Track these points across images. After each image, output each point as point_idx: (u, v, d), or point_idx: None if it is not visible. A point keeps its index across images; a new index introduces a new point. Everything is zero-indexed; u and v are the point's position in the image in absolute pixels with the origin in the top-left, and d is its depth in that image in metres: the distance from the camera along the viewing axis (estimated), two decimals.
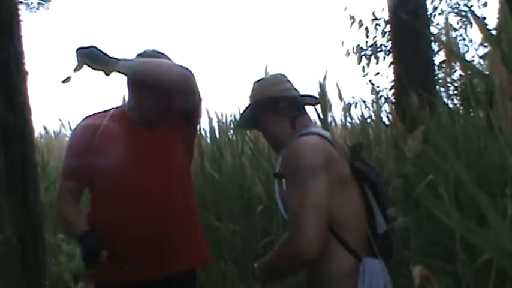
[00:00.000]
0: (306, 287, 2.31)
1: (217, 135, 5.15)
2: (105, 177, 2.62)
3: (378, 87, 8.37)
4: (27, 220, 2.14)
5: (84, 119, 2.76)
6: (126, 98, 2.76)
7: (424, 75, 4.64)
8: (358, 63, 8.78)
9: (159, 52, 2.76)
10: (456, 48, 3.92)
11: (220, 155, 4.80)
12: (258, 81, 2.58)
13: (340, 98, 4.91)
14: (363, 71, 8.81)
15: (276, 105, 2.45)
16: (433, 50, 4.92)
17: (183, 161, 2.78)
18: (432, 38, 4.96)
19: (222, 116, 5.68)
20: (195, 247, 2.77)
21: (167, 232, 2.62)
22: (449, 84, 4.85)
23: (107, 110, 2.77)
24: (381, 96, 8.00)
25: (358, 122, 5.22)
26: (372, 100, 7.62)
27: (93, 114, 2.77)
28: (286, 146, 2.28)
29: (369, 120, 5.04)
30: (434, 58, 4.92)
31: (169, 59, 2.75)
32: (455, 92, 4.98)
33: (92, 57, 2.48)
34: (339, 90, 4.82)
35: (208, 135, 5.22)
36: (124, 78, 2.67)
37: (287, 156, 2.20)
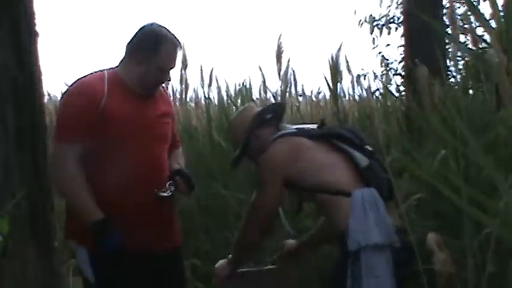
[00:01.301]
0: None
1: (226, 104, 5.13)
2: (112, 147, 2.59)
3: (387, 59, 8.31)
4: (37, 182, 2.16)
5: (78, 80, 2.69)
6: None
7: (434, 48, 4.61)
8: (371, 33, 8.70)
9: (160, 26, 2.74)
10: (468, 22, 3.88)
11: (228, 123, 4.79)
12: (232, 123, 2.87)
13: (349, 70, 4.90)
14: (373, 42, 8.76)
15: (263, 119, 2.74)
16: (445, 24, 4.86)
17: (169, 136, 2.82)
18: (444, 12, 4.92)
19: (230, 85, 5.65)
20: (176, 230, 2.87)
21: (168, 210, 2.73)
22: (459, 58, 4.82)
23: (98, 71, 2.67)
24: (390, 69, 7.96)
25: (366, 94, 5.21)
26: (382, 72, 7.56)
27: (87, 76, 2.65)
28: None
29: (377, 93, 5.02)
30: (446, 31, 4.88)
31: (169, 32, 2.73)
32: (466, 65, 4.94)
33: None
34: (347, 62, 4.81)
35: (216, 103, 5.21)
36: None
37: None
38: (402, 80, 4.37)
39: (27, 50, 2.12)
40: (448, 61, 4.61)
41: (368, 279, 2.43)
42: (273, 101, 4.73)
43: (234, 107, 5.18)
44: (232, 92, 5.42)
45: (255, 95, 5.32)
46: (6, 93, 2.04)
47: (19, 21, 2.08)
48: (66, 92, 2.63)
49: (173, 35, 2.70)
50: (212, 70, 5.03)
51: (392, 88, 4.82)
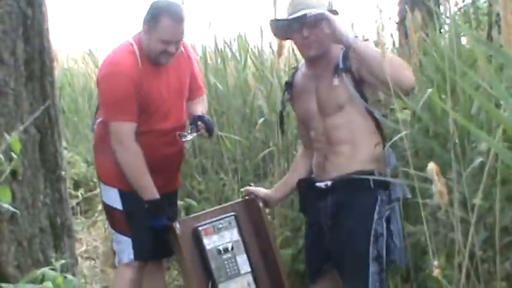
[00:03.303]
0: None
1: (221, 49, 5.19)
2: (145, 116, 2.95)
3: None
4: (45, 111, 2.25)
5: (111, 57, 2.97)
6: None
7: None
8: None
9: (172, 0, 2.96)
10: None
11: (224, 66, 4.86)
12: None
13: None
14: None
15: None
16: None
17: (185, 99, 3.16)
18: None
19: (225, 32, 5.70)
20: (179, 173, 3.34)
21: (180, 158, 3.21)
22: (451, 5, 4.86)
23: (126, 44, 2.96)
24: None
25: None
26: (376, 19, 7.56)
27: (118, 52, 2.96)
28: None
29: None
30: None
31: (174, 6, 2.92)
32: (458, 12, 4.99)
33: None
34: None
35: (212, 48, 5.26)
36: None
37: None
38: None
39: None
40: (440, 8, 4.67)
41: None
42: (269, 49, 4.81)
43: (229, 52, 5.24)
44: (227, 39, 5.48)
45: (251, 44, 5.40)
46: (16, 26, 2.11)
47: None
48: (104, 71, 2.97)
49: (176, 9, 2.92)
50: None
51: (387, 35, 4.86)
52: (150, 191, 2.95)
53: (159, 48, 2.88)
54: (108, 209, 3.10)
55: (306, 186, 2.88)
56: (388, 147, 2.67)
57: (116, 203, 3.03)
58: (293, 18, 2.65)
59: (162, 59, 2.93)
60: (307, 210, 2.94)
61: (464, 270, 2.22)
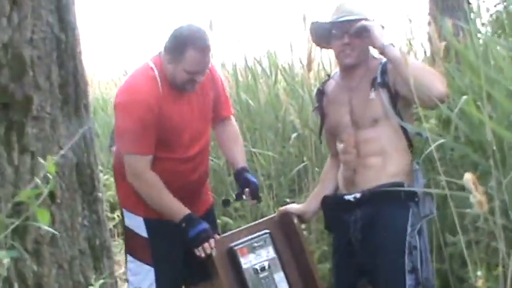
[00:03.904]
0: None
1: (252, 66, 5.21)
2: (167, 143, 2.89)
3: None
4: (81, 134, 2.27)
5: (131, 83, 2.91)
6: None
7: (456, 1, 4.62)
8: None
9: (193, 28, 2.83)
10: None
11: (254, 82, 4.89)
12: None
13: None
14: None
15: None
16: None
17: (209, 122, 3.09)
18: None
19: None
20: (208, 191, 3.29)
21: (204, 179, 3.14)
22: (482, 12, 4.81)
23: (145, 65, 2.90)
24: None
25: None
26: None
27: (138, 77, 2.89)
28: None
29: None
30: None
31: (200, 34, 2.82)
32: (489, 19, 4.94)
33: None
34: None
35: (242, 65, 5.29)
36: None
37: None
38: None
39: (67, 8, 2.22)
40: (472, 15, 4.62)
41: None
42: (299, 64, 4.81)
43: (260, 68, 5.26)
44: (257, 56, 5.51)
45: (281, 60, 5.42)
46: (50, 51, 2.15)
47: None
48: (122, 97, 2.88)
49: (201, 38, 2.81)
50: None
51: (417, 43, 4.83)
52: (178, 212, 2.87)
53: (185, 78, 2.81)
54: (131, 234, 3.02)
55: (332, 202, 2.85)
56: (415, 164, 2.66)
57: (140, 229, 2.97)
58: (336, 24, 2.65)
59: (188, 87, 2.86)
60: (334, 227, 2.91)
61: (509, 280, 2.17)
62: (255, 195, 3.04)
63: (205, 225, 2.86)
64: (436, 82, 2.47)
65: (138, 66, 2.96)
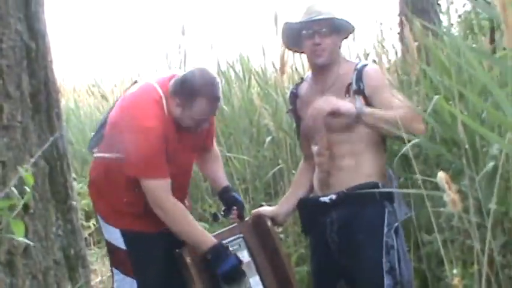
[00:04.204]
0: None
1: (225, 71, 5.21)
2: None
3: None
4: (53, 142, 2.25)
5: (137, 106, 2.83)
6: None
7: (426, 3, 4.67)
8: None
9: (205, 74, 2.82)
10: None
11: (228, 87, 4.89)
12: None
13: None
14: None
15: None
16: None
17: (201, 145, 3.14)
18: None
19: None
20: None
21: (186, 193, 3.14)
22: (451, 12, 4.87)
23: (150, 90, 2.86)
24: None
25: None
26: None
27: (145, 102, 2.82)
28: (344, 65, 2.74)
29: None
30: None
31: (210, 81, 2.81)
32: (458, 20, 5.00)
33: None
34: None
35: (215, 70, 5.29)
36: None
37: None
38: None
39: (37, 17, 2.20)
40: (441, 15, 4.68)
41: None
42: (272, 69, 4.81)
43: (233, 73, 5.26)
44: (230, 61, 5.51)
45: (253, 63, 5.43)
46: (20, 59, 2.13)
47: None
48: (130, 122, 2.77)
49: (213, 88, 2.79)
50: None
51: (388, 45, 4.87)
52: (205, 241, 2.84)
53: (191, 123, 2.83)
54: (111, 247, 3.00)
55: (308, 204, 2.86)
56: (389, 170, 2.70)
57: (119, 242, 2.94)
58: (306, 24, 2.66)
59: (192, 130, 2.88)
60: (310, 229, 2.91)
61: (484, 277, 2.19)
62: (241, 215, 3.09)
63: (234, 259, 2.85)
64: (414, 124, 2.52)
65: (142, 86, 2.92)
